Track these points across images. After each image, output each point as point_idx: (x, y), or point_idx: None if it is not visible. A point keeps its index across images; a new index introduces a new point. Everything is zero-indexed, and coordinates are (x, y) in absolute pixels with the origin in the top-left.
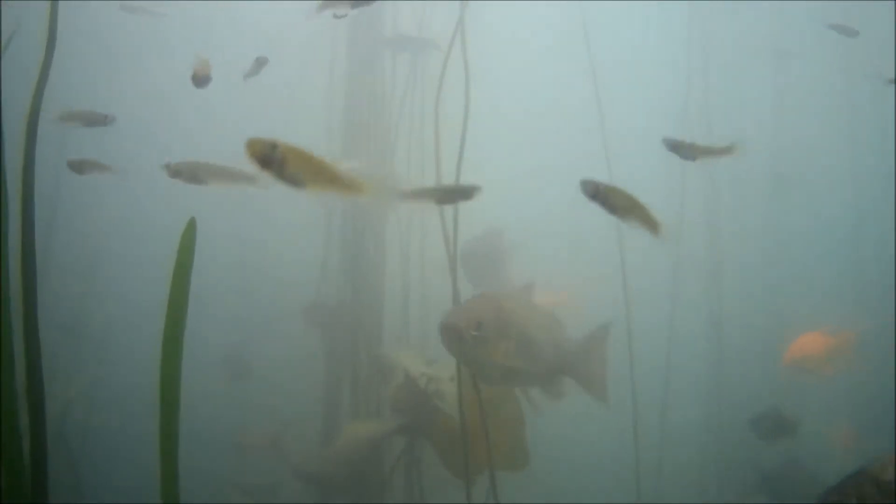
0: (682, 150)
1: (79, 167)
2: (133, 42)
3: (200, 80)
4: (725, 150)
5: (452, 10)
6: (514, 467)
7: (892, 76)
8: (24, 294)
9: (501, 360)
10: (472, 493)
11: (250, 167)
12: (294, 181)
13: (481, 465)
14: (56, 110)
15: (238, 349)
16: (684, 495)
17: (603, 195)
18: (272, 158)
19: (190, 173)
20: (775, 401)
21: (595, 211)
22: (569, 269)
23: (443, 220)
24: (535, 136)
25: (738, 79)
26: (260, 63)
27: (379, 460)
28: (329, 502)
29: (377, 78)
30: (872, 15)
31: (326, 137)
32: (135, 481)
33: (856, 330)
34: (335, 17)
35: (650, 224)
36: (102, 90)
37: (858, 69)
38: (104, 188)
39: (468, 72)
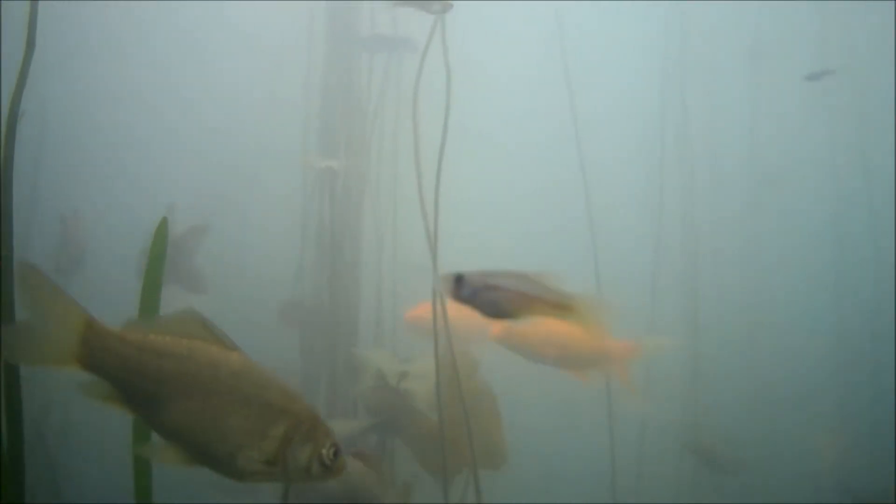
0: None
1: None
2: (112, 41)
3: None
4: None
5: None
6: (492, 466)
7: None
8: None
9: None
10: (450, 491)
11: None
12: None
13: (459, 464)
14: None
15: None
16: (662, 496)
17: None
18: None
19: None
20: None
21: (573, 215)
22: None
23: (424, 218)
24: (511, 139)
25: (714, 78)
26: None
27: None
28: (307, 502)
29: (354, 77)
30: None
31: (303, 136)
32: (113, 481)
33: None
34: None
35: None
36: (82, 89)
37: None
38: (83, 186)
39: (449, 70)
